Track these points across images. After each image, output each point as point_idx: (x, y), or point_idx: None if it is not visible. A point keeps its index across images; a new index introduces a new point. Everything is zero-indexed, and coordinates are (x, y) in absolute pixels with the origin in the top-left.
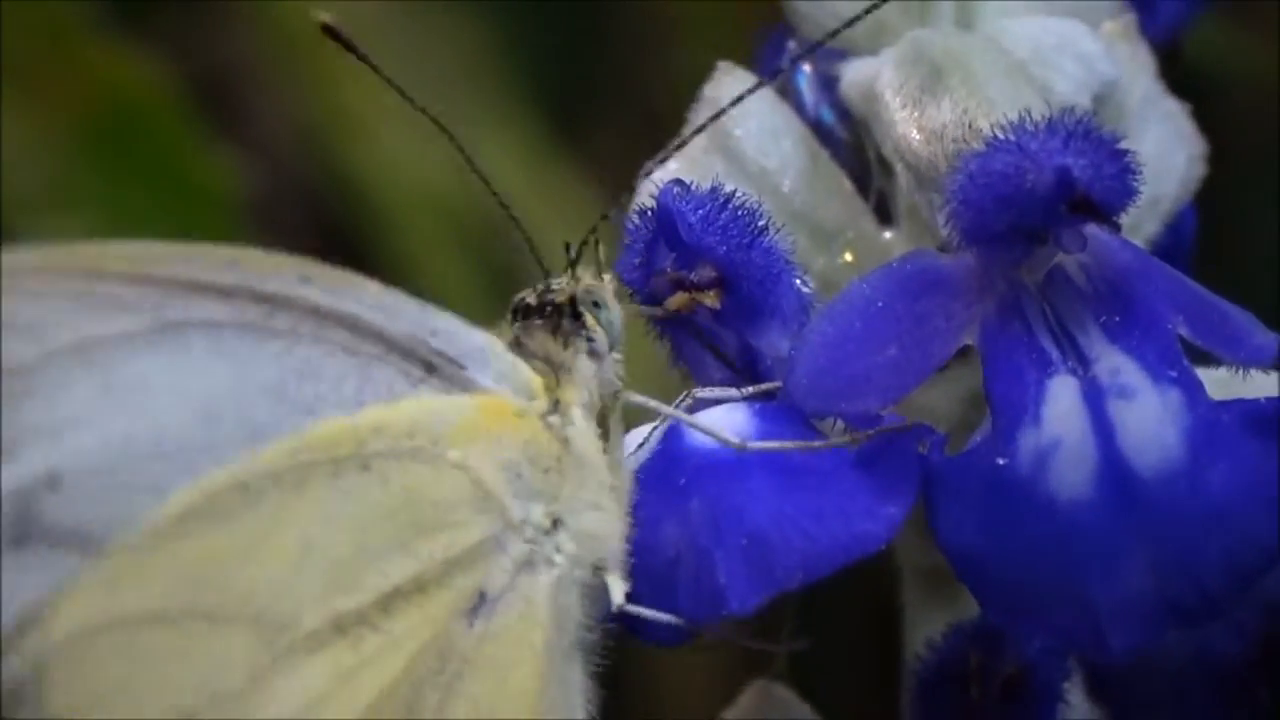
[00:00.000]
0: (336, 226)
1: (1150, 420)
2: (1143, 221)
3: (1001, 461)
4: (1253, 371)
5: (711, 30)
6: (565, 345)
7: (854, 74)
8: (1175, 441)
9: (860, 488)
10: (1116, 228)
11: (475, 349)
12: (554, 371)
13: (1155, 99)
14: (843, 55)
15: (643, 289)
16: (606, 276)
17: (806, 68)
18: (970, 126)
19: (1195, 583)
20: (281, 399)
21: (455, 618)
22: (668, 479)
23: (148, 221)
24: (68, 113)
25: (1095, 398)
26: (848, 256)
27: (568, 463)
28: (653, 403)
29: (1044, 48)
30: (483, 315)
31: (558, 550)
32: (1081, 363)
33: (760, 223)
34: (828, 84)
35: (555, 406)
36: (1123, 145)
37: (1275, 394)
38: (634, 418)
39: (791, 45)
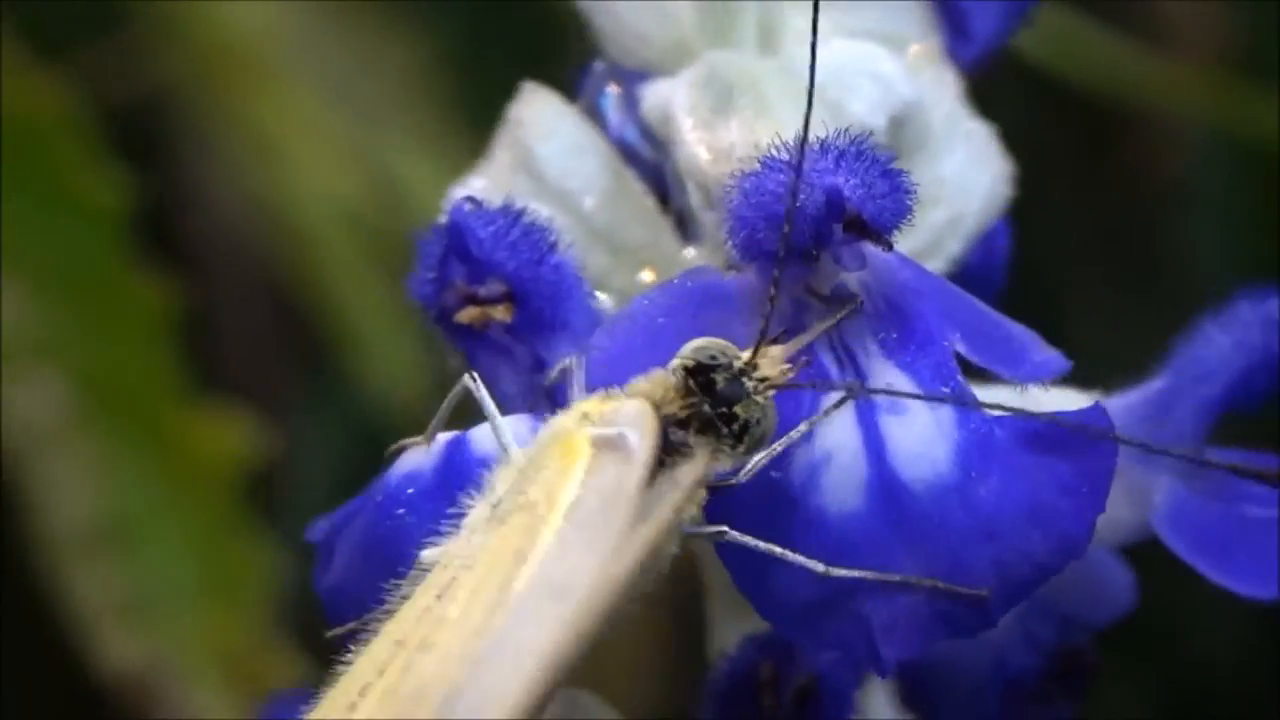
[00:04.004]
0: (252, 246)
1: (921, 435)
2: (945, 239)
3: (775, 475)
4: (1031, 388)
5: None
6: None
7: (653, 95)
8: (945, 456)
9: None
10: (889, 246)
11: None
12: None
13: (958, 120)
14: (646, 76)
15: (434, 303)
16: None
17: (612, 88)
18: (756, 146)
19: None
20: None
21: None
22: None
23: (36, 235)
24: None
25: (868, 414)
26: (648, 275)
27: None
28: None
29: (842, 70)
30: (396, 328)
31: None
32: (859, 379)
33: (551, 240)
34: (633, 104)
35: None
36: (896, 165)
37: (1051, 410)
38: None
39: (597, 66)
